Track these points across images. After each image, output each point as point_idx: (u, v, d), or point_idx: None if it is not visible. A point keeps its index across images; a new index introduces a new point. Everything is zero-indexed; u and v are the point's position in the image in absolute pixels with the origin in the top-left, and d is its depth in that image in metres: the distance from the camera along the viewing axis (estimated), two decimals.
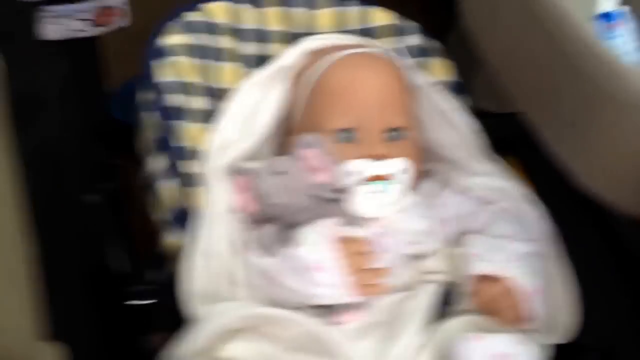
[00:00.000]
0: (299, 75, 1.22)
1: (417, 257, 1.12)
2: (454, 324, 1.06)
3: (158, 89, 1.17)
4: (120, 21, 1.45)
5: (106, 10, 1.44)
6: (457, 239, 1.15)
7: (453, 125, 1.21)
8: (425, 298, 1.08)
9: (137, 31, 1.25)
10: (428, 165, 1.23)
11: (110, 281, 1.19)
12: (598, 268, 1.35)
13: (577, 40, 0.97)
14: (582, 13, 1.03)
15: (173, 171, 1.15)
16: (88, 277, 1.22)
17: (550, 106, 1.07)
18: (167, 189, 1.15)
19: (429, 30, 1.31)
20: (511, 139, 1.32)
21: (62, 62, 1.32)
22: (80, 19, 1.41)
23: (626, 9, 1.03)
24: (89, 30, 1.39)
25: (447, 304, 1.10)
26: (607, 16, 1.03)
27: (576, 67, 0.97)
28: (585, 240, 1.44)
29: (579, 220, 1.31)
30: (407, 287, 1.11)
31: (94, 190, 1.29)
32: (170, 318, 1.07)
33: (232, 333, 1.02)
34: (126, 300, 1.13)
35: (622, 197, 1.04)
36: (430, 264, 1.12)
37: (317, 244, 1.05)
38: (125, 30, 1.45)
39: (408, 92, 1.20)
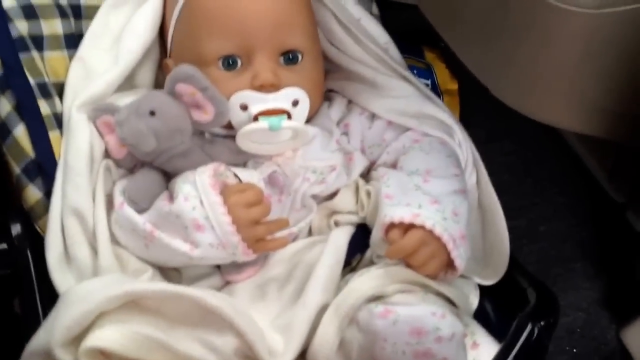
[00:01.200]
0: None
1: (322, 197, 1.00)
2: (364, 280, 0.91)
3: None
4: None
5: None
6: (367, 172, 1.04)
7: (360, 37, 1.06)
8: (334, 245, 0.95)
9: None
10: (333, 84, 1.07)
11: None
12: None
13: None
14: None
15: (19, 114, 0.97)
16: None
17: (461, 15, 0.98)
18: (15, 137, 0.97)
19: None
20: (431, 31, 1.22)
21: None
22: None
23: None
24: None
25: (357, 248, 0.97)
26: None
27: None
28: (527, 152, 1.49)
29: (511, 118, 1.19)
30: (313, 232, 1.00)
31: None
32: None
33: (101, 316, 0.85)
34: None
35: (542, 109, 0.99)
36: (337, 204, 1.00)
37: (195, 197, 0.89)
38: None
39: (307, 3, 1.03)
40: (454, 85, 1.26)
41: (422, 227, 0.90)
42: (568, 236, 1.44)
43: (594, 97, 0.95)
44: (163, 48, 1.06)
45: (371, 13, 1.11)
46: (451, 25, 0.99)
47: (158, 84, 1.06)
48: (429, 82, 1.25)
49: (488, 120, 1.35)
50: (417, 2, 1.13)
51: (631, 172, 1.27)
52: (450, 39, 0.99)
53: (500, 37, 0.91)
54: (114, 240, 0.94)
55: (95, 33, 1.03)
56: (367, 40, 1.05)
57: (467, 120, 1.09)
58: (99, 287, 0.85)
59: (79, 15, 1.06)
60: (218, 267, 0.96)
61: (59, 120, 0.99)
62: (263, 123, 0.93)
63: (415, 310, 0.85)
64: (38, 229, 0.96)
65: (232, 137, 0.95)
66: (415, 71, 1.18)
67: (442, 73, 1.27)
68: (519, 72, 0.93)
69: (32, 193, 0.97)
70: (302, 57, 0.99)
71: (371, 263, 0.96)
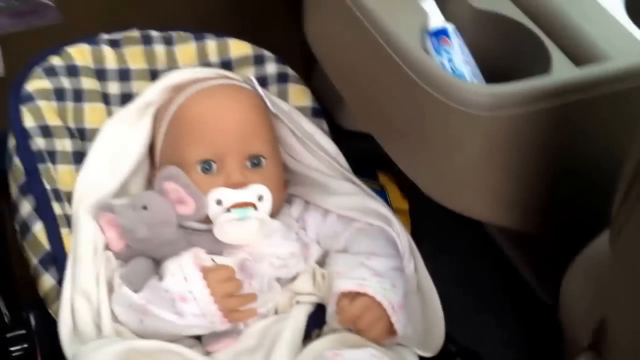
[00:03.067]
0: (160, 110, 1.24)
1: (284, 280, 1.14)
2: (321, 342, 1.06)
3: (22, 133, 1.18)
4: None
5: None
6: (322, 260, 1.18)
7: (314, 148, 1.22)
8: (295, 320, 1.09)
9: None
10: (292, 189, 1.26)
11: None
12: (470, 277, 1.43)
13: (403, 52, 1.00)
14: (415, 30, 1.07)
15: (37, 214, 1.15)
16: None
17: (385, 119, 1.10)
18: (34, 233, 1.15)
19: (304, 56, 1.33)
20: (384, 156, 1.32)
21: None
22: None
23: (451, 26, 1.08)
24: None
25: (316, 324, 1.11)
26: (436, 33, 1.07)
27: (406, 82, 1.00)
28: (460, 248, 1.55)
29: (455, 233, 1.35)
30: (278, 311, 1.12)
31: None
32: None
33: None
34: (4, 348, 1.13)
35: (462, 203, 1.08)
36: (298, 286, 1.14)
37: (179, 274, 1.06)
38: (1, 80, 1.48)
39: (268, 119, 1.23)
40: (405, 205, 1.36)
41: (365, 295, 1.06)
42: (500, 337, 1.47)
43: (502, 190, 1.04)
44: (151, 163, 1.25)
45: (322, 129, 1.29)
46: (388, 137, 1.12)
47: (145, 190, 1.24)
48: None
49: (435, 236, 1.40)
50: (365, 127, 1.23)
51: (555, 272, 1.36)
52: (389, 149, 1.12)
53: (421, 142, 1.04)
54: (115, 319, 1.07)
55: (97, 150, 1.22)
56: (320, 152, 1.22)
57: (417, 237, 1.19)
58: (106, 344, 1.01)
59: (84, 137, 1.25)
60: (199, 339, 1.08)
61: (68, 220, 1.15)
62: (234, 214, 1.11)
63: (359, 353, 1.02)
64: (51, 313, 1.09)
65: (210, 231, 1.12)
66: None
67: (394, 194, 1.37)
68: (438, 169, 1.05)
69: (47, 281, 1.11)
70: (265, 161, 1.16)
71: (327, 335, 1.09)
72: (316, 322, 1.11)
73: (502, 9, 1.09)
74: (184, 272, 1.06)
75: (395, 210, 1.29)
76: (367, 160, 1.33)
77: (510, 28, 1.08)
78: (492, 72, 1.09)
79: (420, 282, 1.15)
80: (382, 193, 1.35)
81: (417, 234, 1.22)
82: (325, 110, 1.33)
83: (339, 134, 1.32)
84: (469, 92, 0.96)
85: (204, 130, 1.16)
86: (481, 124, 0.97)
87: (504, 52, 1.10)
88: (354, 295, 1.07)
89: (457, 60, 1.06)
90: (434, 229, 1.34)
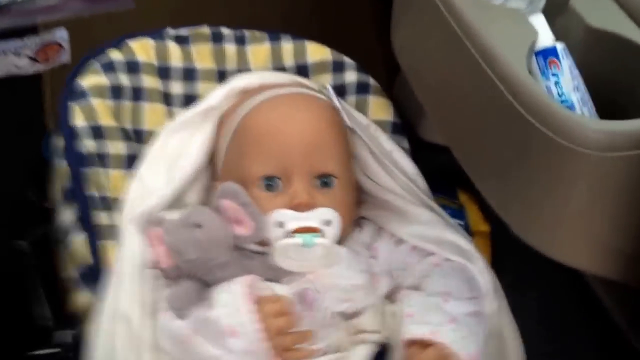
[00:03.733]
0: (225, 116, 1.14)
1: (348, 315, 1.04)
2: None
3: (70, 133, 1.10)
4: (61, 58, 1.40)
5: (47, 47, 1.39)
6: (391, 295, 1.08)
7: (391, 168, 1.13)
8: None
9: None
10: (364, 212, 1.15)
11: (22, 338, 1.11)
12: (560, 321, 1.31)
13: (506, 75, 0.88)
14: (522, 49, 0.94)
15: (81, 223, 1.07)
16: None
17: (476, 147, 0.99)
18: (75, 243, 1.07)
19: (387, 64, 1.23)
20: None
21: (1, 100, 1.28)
22: (21, 56, 1.37)
23: (561, 45, 0.94)
24: (30, 67, 1.37)
25: None
26: (544, 52, 0.93)
27: (506, 109, 0.88)
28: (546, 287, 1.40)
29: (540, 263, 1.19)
30: (337, 349, 1.02)
31: (23, 235, 1.20)
32: None
33: None
34: None
35: (561, 250, 0.97)
36: (363, 322, 1.04)
37: (231, 305, 0.96)
38: (67, 67, 1.40)
39: (343, 134, 1.12)
40: (485, 228, 1.28)
41: (438, 345, 0.96)
42: None
43: (607, 238, 0.95)
44: (211, 172, 1.15)
45: (402, 147, 1.19)
46: (477, 167, 1.03)
47: (205, 204, 1.14)
48: (462, 222, 1.27)
49: (518, 265, 1.37)
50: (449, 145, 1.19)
51: None
52: (476, 179, 1.04)
53: (517, 177, 0.94)
54: (158, 349, 0.99)
55: (154, 155, 1.13)
56: (397, 172, 1.13)
57: (499, 264, 1.12)
58: None
59: (141, 139, 1.16)
60: None
61: (116, 231, 1.07)
62: (297, 239, 1.01)
63: None
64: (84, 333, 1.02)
65: (267, 255, 1.02)
66: (448, 211, 1.21)
67: (474, 214, 1.29)
68: (535, 210, 0.95)
69: (82, 297, 1.04)
70: (336, 181, 1.07)
71: None
72: None
73: (623, 30, 0.95)
74: (236, 302, 0.96)
75: (475, 233, 1.26)
76: (446, 175, 1.22)
77: (631, 53, 0.94)
78: (603, 101, 0.97)
79: (501, 327, 1.05)
80: (460, 213, 1.28)
81: (498, 261, 1.15)
82: (406, 121, 1.24)
83: (418, 145, 1.24)
84: (582, 128, 0.83)
85: (270, 143, 1.06)
86: (592, 165, 0.86)
87: (620, 79, 0.97)
88: (426, 343, 0.97)
89: (566, 85, 0.93)
90: (517, 257, 1.19)
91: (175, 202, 1.11)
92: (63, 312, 1.08)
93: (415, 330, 0.98)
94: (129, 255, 1.03)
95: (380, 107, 1.22)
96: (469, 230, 1.26)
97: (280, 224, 1.02)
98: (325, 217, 1.03)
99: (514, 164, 0.92)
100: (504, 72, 0.89)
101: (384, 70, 1.29)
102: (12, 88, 1.33)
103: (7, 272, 1.20)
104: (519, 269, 1.35)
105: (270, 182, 1.06)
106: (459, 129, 1.03)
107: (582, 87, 0.95)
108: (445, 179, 1.23)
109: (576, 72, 0.94)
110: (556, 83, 0.93)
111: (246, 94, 1.14)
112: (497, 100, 0.89)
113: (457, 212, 1.28)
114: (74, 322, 1.05)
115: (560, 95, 0.94)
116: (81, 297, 1.04)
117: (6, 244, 1.19)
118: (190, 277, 1.03)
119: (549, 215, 0.92)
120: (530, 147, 0.89)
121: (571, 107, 0.94)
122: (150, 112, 1.17)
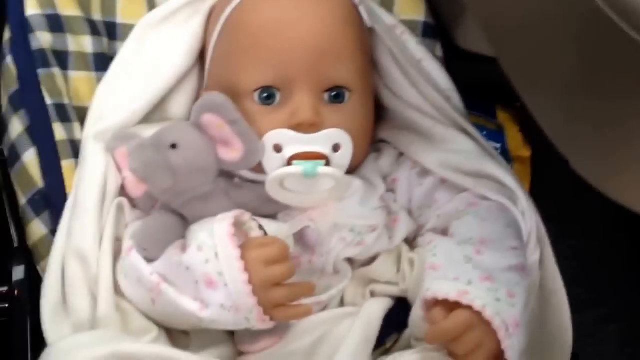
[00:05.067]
0: (216, 8, 0.96)
1: (358, 262, 0.91)
2: None
3: (19, 23, 0.94)
4: None
5: None
6: (413, 237, 0.93)
7: (420, 80, 0.95)
8: (368, 318, 0.86)
9: None
10: (383, 133, 0.97)
11: None
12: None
13: None
14: None
15: (31, 137, 0.91)
16: None
17: (544, 68, 0.80)
18: (25, 163, 0.90)
19: None
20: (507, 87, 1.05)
21: None
22: None
23: None
24: None
25: (395, 326, 0.87)
26: None
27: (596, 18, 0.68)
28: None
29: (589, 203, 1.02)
30: (345, 302, 0.89)
31: None
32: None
33: None
34: None
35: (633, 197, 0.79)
36: (376, 271, 0.90)
37: (209, 248, 0.79)
38: None
39: (360, 36, 0.93)
40: (526, 152, 1.18)
41: (469, 308, 0.79)
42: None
43: None
44: (200, 79, 0.97)
45: (434, 55, 1.01)
46: (534, 86, 0.85)
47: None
48: (498, 146, 1.15)
49: (561, 197, 1.21)
50: (497, 55, 1.02)
51: None
52: (532, 101, 0.85)
53: (594, 108, 0.77)
54: (119, 292, 0.85)
55: (127, 55, 0.96)
56: (427, 85, 0.95)
57: (538, 194, 0.96)
58: (86, 344, 0.77)
59: (114, 34, 0.99)
60: (232, 333, 0.86)
61: (75, 148, 0.92)
62: (297, 168, 0.83)
63: None
64: (40, 271, 0.88)
65: (262, 183, 0.85)
66: (484, 132, 1.10)
67: (514, 137, 1.18)
68: (610, 149, 0.78)
69: (37, 229, 0.90)
70: (350, 95, 0.90)
71: (408, 346, 0.86)
72: (393, 324, 0.88)
73: None
74: (215, 244, 0.79)
75: (514, 158, 1.17)
76: (484, 90, 1.11)
77: None
78: None
79: (544, 280, 0.89)
80: (498, 135, 1.18)
81: (537, 191, 1.01)
82: (441, 23, 1.08)
83: (453, 54, 1.09)
84: None
85: (268, 45, 0.88)
86: None
87: None
88: (453, 305, 0.80)
89: None
90: (561, 186, 1.08)
91: (155, 115, 0.95)
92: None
93: (439, 287, 0.81)
94: (90, 179, 0.88)
95: (410, 3, 1.04)
96: (507, 155, 1.16)
97: (278, 147, 0.85)
98: (333, 140, 0.86)
99: (594, 84, 0.74)
100: None
101: None
102: None
103: None
104: (564, 201, 1.25)
105: (266, 94, 0.88)
106: (516, 36, 0.83)
107: None
108: (483, 95, 1.12)
109: None
110: None
111: None
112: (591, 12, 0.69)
113: (494, 134, 1.17)
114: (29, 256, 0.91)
115: None
116: (35, 229, 0.89)
117: None
118: (165, 209, 0.86)
119: (629, 156, 0.75)
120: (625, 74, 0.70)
121: None
122: (124, 2, 1.00)
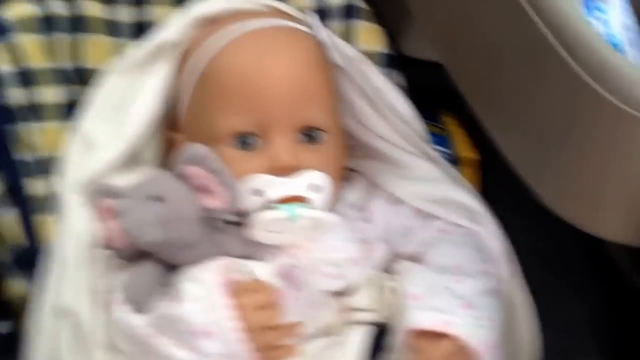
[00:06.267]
0: (188, 53, 0.95)
1: (340, 293, 0.91)
2: None
3: None
4: None
5: None
6: (389, 265, 0.94)
7: (386, 110, 0.97)
8: (353, 346, 0.87)
9: None
10: (355, 164, 0.98)
11: None
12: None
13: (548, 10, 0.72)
14: None
15: (11, 195, 0.89)
16: None
17: (501, 97, 0.85)
18: (5, 220, 0.89)
19: None
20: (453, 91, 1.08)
21: None
22: None
23: None
24: None
25: (379, 350, 0.88)
26: None
27: (543, 48, 0.73)
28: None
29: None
30: (329, 332, 0.89)
31: None
32: None
33: None
34: None
35: (605, 225, 0.85)
36: (357, 300, 0.91)
37: (204, 300, 0.80)
38: None
39: (330, 75, 0.94)
40: (474, 156, 1.18)
41: (453, 336, 0.82)
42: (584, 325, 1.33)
43: None
44: (170, 121, 0.96)
45: (398, 84, 1.03)
46: (501, 123, 0.87)
47: (163, 160, 0.97)
48: (447, 151, 1.17)
49: (509, 196, 1.27)
50: (443, 62, 1.02)
51: None
52: (501, 141, 0.88)
53: (558, 142, 0.80)
54: (113, 348, 0.84)
55: (99, 102, 0.95)
56: (392, 115, 0.97)
57: (489, 195, 1.00)
58: None
59: (85, 80, 0.98)
60: None
61: (55, 202, 0.90)
62: (281, 212, 0.85)
63: None
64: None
65: (244, 224, 0.86)
66: (433, 138, 1.10)
67: (461, 141, 1.19)
68: (581, 180, 0.82)
69: (19, 285, 0.90)
70: (324, 136, 0.91)
71: None
72: (376, 348, 0.88)
73: None
74: (210, 296, 0.80)
75: (462, 161, 1.17)
76: (427, 95, 1.08)
77: None
78: None
79: (511, 294, 0.94)
80: (445, 139, 1.18)
81: (489, 192, 1.03)
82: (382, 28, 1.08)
83: (397, 60, 1.08)
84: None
85: (245, 92, 0.89)
86: None
87: None
88: (436, 335, 0.83)
89: (614, 21, 0.74)
90: (508, 186, 1.07)
91: (128, 160, 0.94)
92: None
93: (424, 318, 0.84)
94: (73, 233, 0.88)
95: (370, 35, 1.05)
96: (454, 159, 1.16)
97: (258, 192, 0.86)
98: (313, 182, 0.87)
99: (555, 127, 0.79)
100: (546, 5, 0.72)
101: None
102: None
103: None
104: (510, 199, 1.22)
105: (244, 140, 0.88)
106: (470, 57, 0.87)
107: (635, 27, 0.77)
108: (427, 100, 1.09)
109: (628, 8, 0.76)
110: (603, 22, 0.75)
111: (213, 24, 0.95)
112: (537, 42, 0.73)
113: (441, 139, 1.17)
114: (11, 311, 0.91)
115: (606, 34, 0.76)
116: (16, 285, 0.89)
117: None
118: (153, 258, 0.86)
119: (597, 187, 0.80)
120: (578, 107, 0.74)
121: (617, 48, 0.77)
122: (93, 47, 0.99)
